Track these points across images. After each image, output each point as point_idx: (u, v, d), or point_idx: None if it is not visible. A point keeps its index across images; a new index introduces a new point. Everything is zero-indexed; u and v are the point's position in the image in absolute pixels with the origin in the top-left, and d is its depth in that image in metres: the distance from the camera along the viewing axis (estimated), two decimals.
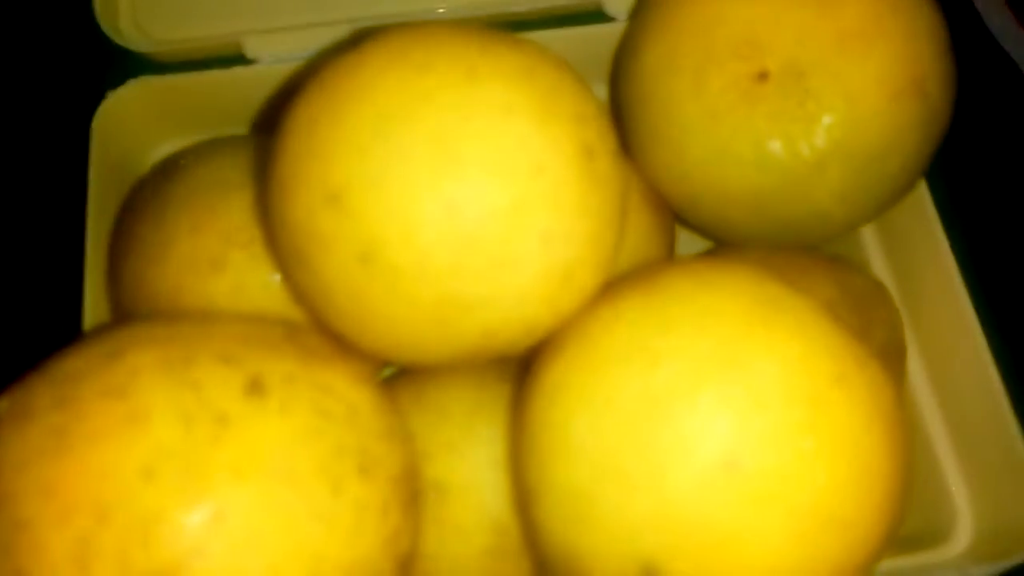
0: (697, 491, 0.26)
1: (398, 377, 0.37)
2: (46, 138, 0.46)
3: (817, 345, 0.27)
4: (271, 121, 0.30)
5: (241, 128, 0.45)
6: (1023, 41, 0.50)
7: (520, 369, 0.35)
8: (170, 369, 0.26)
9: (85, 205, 0.39)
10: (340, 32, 0.43)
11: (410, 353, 0.30)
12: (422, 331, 0.28)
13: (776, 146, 0.35)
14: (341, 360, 0.29)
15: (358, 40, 0.30)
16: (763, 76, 0.35)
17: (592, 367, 0.28)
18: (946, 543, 0.38)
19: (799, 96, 0.35)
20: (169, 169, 0.38)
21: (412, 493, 0.29)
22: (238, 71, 0.43)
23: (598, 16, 0.45)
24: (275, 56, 0.43)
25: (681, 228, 0.43)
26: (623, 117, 0.40)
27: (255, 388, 0.26)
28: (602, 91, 0.46)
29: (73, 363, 0.27)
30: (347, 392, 0.28)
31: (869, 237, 0.44)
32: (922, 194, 0.40)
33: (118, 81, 0.42)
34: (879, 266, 0.43)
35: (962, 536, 0.38)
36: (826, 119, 0.34)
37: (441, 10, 0.46)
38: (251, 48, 0.43)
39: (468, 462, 0.33)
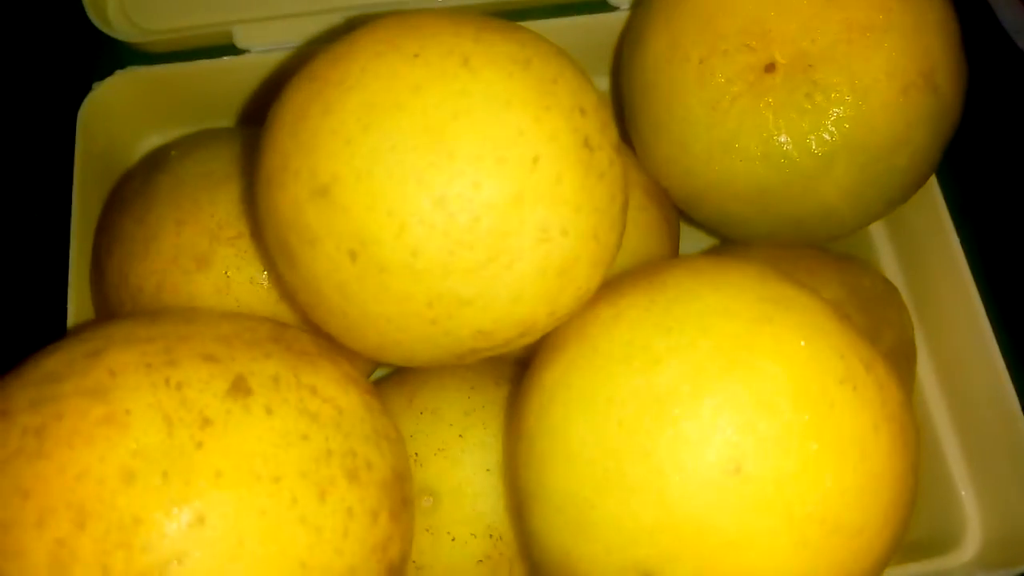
0: (699, 496, 0.25)
1: (389, 378, 0.37)
2: (31, 129, 0.46)
3: (824, 346, 0.27)
4: (262, 113, 0.30)
5: (231, 120, 0.45)
6: None
7: (517, 370, 0.35)
8: (151, 369, 0.26)
9: (70, 198, 0.39)
10: (333, 21, 0.43)
11: (401, 353, 0.30)
12: (413, 330, 0.28)
13: (783, 140, 0.35)
14: (330, 360, 0.29)
15: (352, 29, 0.29)
16: (770, 68, 0.35)
17: (591, 368, 0.28)
18: (954, 550, 0.38)
19: (807, 88, 0.34)
20: (156, 162, 0.37)
21: (403, 499, 0.29)
22: (228, 61, 0.42)
23: (601, 5, 0.44)
24: (266, 46, 0.43)
25: (685, 224, 0.42)
26: (625, 109, 0.40)
27: (239, 389, 0.26)
28: (604, 83, 0.46)
29: (53, 362, 0.26)
30: (335, 394, 0.28)
31: (878, 235, 0.44)
32: (933, 191, 0.40)
33: (105, 72, 0.41)
34: (889, 265, 0.43)
35: (970, 543, 0.38)
36: (834, 112, 0.34)
37: None
38: (241, 38, 0.43)
39: (462, 467, 0.33)
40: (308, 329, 0.31)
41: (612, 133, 0.29)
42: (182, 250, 0.33)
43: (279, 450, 0.25)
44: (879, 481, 0.26)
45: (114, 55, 0.43)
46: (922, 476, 0.29)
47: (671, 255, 0.40)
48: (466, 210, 0.26)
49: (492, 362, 0.34)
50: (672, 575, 0.26)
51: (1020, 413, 0.36)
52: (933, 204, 0.40)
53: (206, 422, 0.25)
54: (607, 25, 0.44)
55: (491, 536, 0.32)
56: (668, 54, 0.37)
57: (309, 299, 0.29)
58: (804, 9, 0.35)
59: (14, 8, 0.48)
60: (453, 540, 0.32)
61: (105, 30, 0.43)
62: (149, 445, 0.24)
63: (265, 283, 0.34)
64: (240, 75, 0.43)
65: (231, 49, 0.43)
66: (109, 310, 0.36)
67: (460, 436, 0.33)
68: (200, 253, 0.33)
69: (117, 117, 0.42)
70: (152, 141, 0.44)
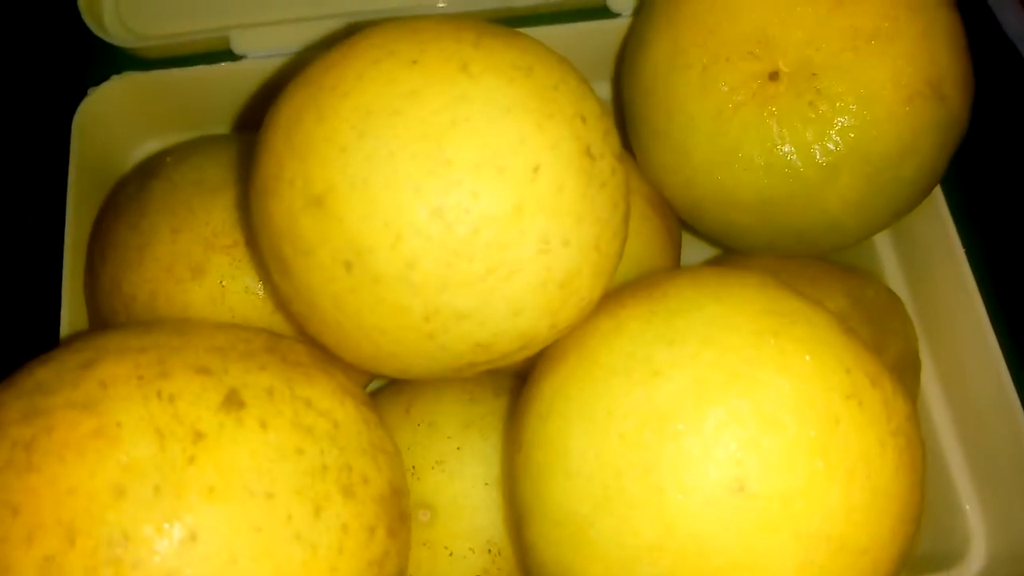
0: (702, 514, 0.25)
1: (386, 389, 0.37)
2: (27, 134, 0.46)
3: (830, 360, 0.27)
4: (258, 119, 0.30)
5: (227, 126, 0.45)
6: None
7: (516, 382, 0.35)
8: (143, 381, 0.25)
9: (64, 205, 0.38)
10: (331, 27, 0.42)
11: (397, 366, 0.29)
12: (409, 343, 0.27)
13: (787, 149, 0.34)
14: (325, 372, 0.29)
15: (351, 35, 0.29)
16: (774, 76, 0.34)
17: (591, 380, 0.28)
18: (958, 565, 0.37)
19: (811, 97, 0.34)
20: (151, 168, 0.37)
21: (400, 514, 0.28)
22: (225, 67, 0.42)
23: (602, 12, 0.44)
24: (263, 52, 0.42)
25: (687, 234, 0.42)
26: (627, 117, 0.40)
27: (232, 402, 0.25)
28: (606, 90, 0.45)
29: (43, 373, 0.26)
30: (331, 407, 0.27)
31: (882, 246, 0.44)
32: (938, 201, 0.40)
33: (101, 77, 0.41)
34: (893, 276, 0.43)
35: (975, 558, 0.37)
36: (839, 121, 0.34)
37: (441, 4, 0.45)
38: (238, 43, 0.43)
39: (460, 480, 0.32)
40: (303, 339, 0.31)
41: (614, 141, 0.29)
42: (176, 258, 0.33)
43: (273, 465, 0.25)
44: (886, 498, 0.26)
45: (110, 60, 0.43)
46: (926, 489, 0.29)
47: (673, 265, 0.40)
48: (464, 221, 0.25)
49: (491, 373, 0.33)
50: None
51: None
52: (938, 214, 0.40)
53: (199, 436, 0.24)
54: (609, 32, 0.43)
55: (490, 551, 0.32)
56: (670, 61, 0.36)
57: (303, 310, 0.29)
58: (809, 17, 0.34)
59: (10, 13, 0.48)
60: (451, 555, 0.32)
61: (101, 35, 0.43)
62: (140, 459, 0.24)
63: (260, 293, 0.33)
64: (237, 81, 0.42)
65: (228, 55, 0.43)
66: (102, 318, 0.36)
67: (458, 449, 0.33)
68: (195, 262, 0.33)
69: (113, 122, 0.42)
70: (148, 147, 0.44)
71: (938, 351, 0.41)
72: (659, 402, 0.26)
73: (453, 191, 0.25)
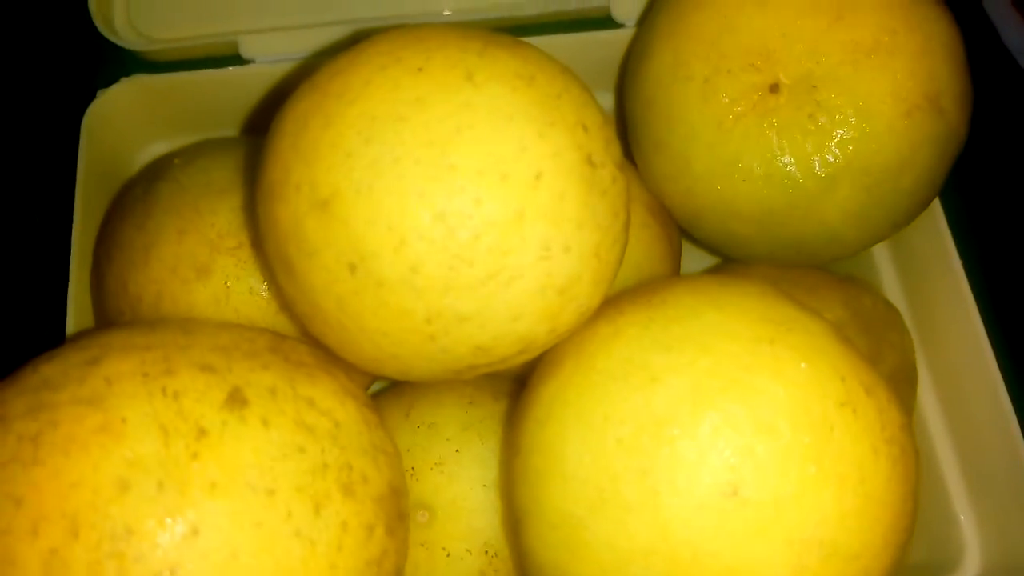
0: (696, 519, 0.25)
1: (387, 391, 0.37)
2: (36, 135, 0.46)
3: (825, 368, 0.27)
4: (266, 123, 0.30)
5: (235, 130, 0.45)
6: None
7: (515, 386, 0.35)
8: (148, 378, 0.25)
9: (72, 206, 0.39)
10: (339, 33, 0.43)
11: (398, 367, 0.29)
12: (411, 345, 0.28)
13: (786, 160, 0.34)
14: (327, 373, 0.29)
15: (357, 42, 0.29)
16: (775, 88, 0.35)
17: (589, 385, 0.28)
18: (954, 574, 0.37)
19: (811, 109, 0.34)
20: (159, 170, 0.37)
21: (398, 513, 0.28)
22: (233, 71, 0.42)
23: (606, 22, 0.44)
24: (271, 57, 0.43)
25: (687, 243, 0.42)
26: (628, 126, 0.40)
27: (236, 400, 0.26)
28: (608, 99, 0.46)
29: (50, 369, 0.26)
30: (332, 406, 0.28)
31: (881, 257, 0.44)
32: (936, 213, 0.40)
33: (111, 79, 0.41)
34: (891, 287, 0.43)
35: (969, 567, 0.37)
36: (838, 133, 0.34)
37: (447, 12, 0.45)
38: (247, 48, 0.43)
39: (458, 482, 0.33)
40: (307, 340, 0.31)
41: (615, 150, 0.29)
42: (182, 259, 0.33)
43: (275, 462, 0.25)
44: (878, 505, 0.26)
45: (119, 63, 0.43)
46: (922, 499, 0.29)
47: (672, 273, 0.40)
48: (467, 226, 0.26)
49: (491, 376, 0.33)
50: None
51: (1021, 437, 0.36)
52: (936, 226, 0.40)
53: (202, 433, 0.25)
54: (612, 42, 0.44)
55: (487, 552, 0.32)
56: (672, 72, 0.36)
57: (307, 311, 0.29)
58: (809, 30, 0.34)
59: (21, 15, 0.48)
60: (448, 556, 0.32)
61: (111, 38, 0.43)
62: (144, 455, 0.24)
63: (264, 294, 0.34)
64: (245, 85, 0.43)
65: (236, 59, 0.43)
66: (108, 318, 0.36)
67: (457, 451, 0.33)
68: (200, 263, 0.33)
69: (121, 124, 0.42)
70: (156, 149, 0.44)
71: (935, 362, 0.41)
72: (656, 407, 0.26)
73: (456, 197, 0.26)
